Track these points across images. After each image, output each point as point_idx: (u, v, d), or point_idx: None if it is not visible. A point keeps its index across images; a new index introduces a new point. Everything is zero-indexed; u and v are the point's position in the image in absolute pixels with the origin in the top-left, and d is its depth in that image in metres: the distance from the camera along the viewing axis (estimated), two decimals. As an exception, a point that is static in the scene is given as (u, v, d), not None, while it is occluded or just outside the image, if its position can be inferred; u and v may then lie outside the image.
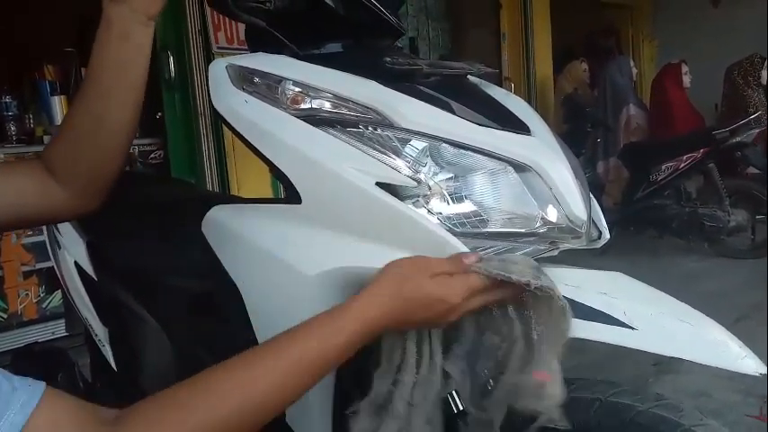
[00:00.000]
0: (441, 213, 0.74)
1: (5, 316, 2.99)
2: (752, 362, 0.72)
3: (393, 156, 0.73)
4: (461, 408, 0.79)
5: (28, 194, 0.77)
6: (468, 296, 0.68)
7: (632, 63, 5.26)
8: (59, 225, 1.38)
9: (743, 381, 2.14)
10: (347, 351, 0.65)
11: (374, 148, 0.73)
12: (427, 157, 0.74)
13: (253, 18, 0.82)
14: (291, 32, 0.83)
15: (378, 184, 0.72)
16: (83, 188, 0.80)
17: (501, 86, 0.96)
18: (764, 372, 0.72)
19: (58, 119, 3.31)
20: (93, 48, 0.77)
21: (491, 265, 0.68)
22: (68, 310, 1.58)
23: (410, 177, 0.72)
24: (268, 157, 0.78)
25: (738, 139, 3.95)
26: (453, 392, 0.79)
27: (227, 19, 3.30)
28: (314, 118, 0.75)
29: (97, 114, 0.77)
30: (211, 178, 3.33)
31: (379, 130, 0.74)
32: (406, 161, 0.73)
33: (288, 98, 0.77)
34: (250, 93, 0.79)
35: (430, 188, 0.73)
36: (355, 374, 0.91)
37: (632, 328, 0.73)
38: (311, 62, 0.80)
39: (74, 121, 0.78)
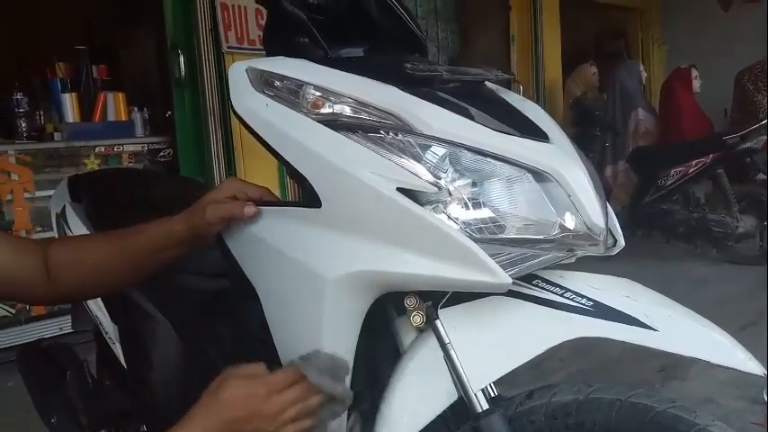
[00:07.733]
0: (459, 219, 0.74)
1: (13, 311, 3.01)
2: (754, 364, 0.77)
3: (414, 161, 0.73)
4: (486, 407, 0.80)
5: (18, 270, 0.82)
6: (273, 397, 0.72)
7: (642, 67, 5.23)
8: (69, 221, 1.39)
9: (748, 388, 2.14)
10: None
11: (395, 154, 0.73)
12: (447, 163, 0.74)
13: (296, 9, 0.83)
14: (320, 32, 0.84)
15: (398, 189, 0.72)
16: (69, 290, 0.87)
17: (510, 89, 0.97)
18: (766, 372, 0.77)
19: (69, 116, 3.32)
20: (158, 223, 0.87)
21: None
22: (74, 307, 1.58)
23: (430, 183, 0.73)
24: (288, 160, 0.78)
25: (748, 144, 3.94)
26: (477, 391, 0.80)
27: (237, 18, 3.31)
28: (334, 123, 0.76)
29: (122, 268, 0.87)
30: (220, 177, 3.34)
31: (399, 136, 0.74)
32: (427, 167, 0.73)
33: (309, 102, 0.77)
34: (271, 96, 0.79)
35: (450, 194, 0.73)
36: (367, 373, 0.92)
37: (654, 330, 0.77)
38: (332, 66, 0.81)
39: (98, 256, 0.87)
